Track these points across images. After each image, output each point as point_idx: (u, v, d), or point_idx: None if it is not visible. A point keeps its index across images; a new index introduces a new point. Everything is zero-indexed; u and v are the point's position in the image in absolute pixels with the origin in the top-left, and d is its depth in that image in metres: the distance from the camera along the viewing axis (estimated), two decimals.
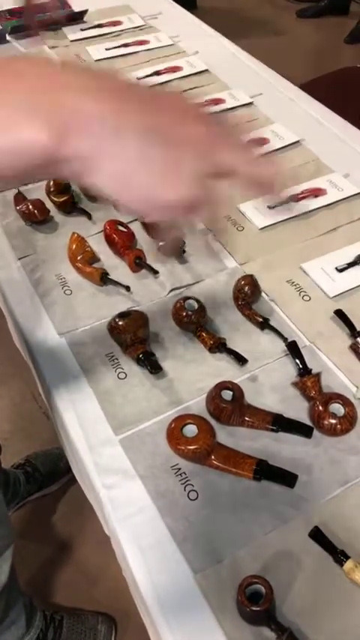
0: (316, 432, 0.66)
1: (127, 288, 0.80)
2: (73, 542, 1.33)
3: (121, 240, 0.86)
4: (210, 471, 0.64)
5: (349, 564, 0.56)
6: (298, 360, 0.72)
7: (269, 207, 0.94)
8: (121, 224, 0.89)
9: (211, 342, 0.74)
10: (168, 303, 0.79)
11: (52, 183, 0.94)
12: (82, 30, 1.43)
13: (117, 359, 0.75)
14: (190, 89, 1.22)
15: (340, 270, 0.85)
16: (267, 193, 0.43)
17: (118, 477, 0.65)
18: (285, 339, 0.75)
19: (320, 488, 0.63)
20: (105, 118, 0.35)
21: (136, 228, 0.90)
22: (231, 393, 0.68)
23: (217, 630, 0.54)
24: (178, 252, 0.86)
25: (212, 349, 0.75)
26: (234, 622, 0.54)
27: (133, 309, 0.79)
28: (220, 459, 0.63)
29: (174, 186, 0.37)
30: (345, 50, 3.25)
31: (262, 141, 1.08)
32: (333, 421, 0.66)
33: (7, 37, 1.40)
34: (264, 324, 0.77)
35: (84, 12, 1.45)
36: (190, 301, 0.77)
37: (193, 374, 0.73)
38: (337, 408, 0.67)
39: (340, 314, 0.78)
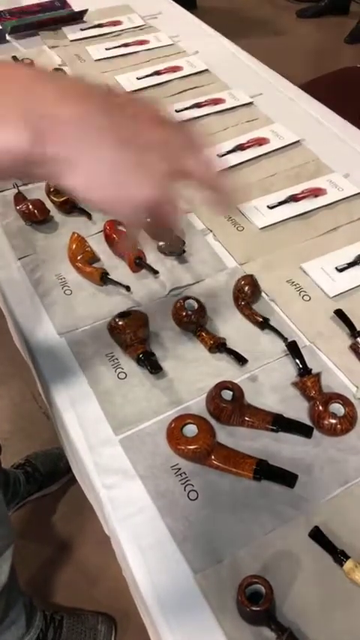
0: (316, 432, 0.66)
1: (127, 288, 0.80)
2: (73, 542, 1.33)
3: (121, 240, 0.86)
4: (210, 471, 0.64)
5: (349, 564, 0.56)
6: (298, 360, 0.72)
7: (269, 207, 0.94)
8: (121, 224, 0.89)
9: (211, 342, 0.74)
10: (168, 303, 0.79)
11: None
12: (82, 30, 1.43)
13: (117, 359, 0.75)
14: (190, 89, 1.22)
15: (340, 270, 0.85)
16: (219, 199, 0.45)
17: (118, 477, 0.65)
18: (285, 339, 0.75)
19: (320, 488, 0.63)
20: (80, 122, 0.37)
21: None
22: (231, 393, 0.68)
23: (217, 630, 0.54)
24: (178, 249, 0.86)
25: (212, 349, 0.75)
26: (234, 622, 0.54)
27: (133, 309, 0.79)
28: (220, 459, 0.63)
29: (142, 187, 0.40)
30: (345, 50, 3.25)
31: (262, 141, 1.08)
32: (333, 421, 0.66)
33: (7, 37, 1.40)
34: (264, 324, 0.77)
35: (84, 12, 1.45)
36: (190, 301, 0.77)
37: (193, 374, 0.73)
38: (337, 408, 0.67)
39: (340, 314, 0.78)
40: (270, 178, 1.02)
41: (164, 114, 0.42)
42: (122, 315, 0.75)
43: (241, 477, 0.63)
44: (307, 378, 0.70)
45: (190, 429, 0.65)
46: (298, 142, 1.09)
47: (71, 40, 1.39)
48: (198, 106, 1.16)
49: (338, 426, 0.66)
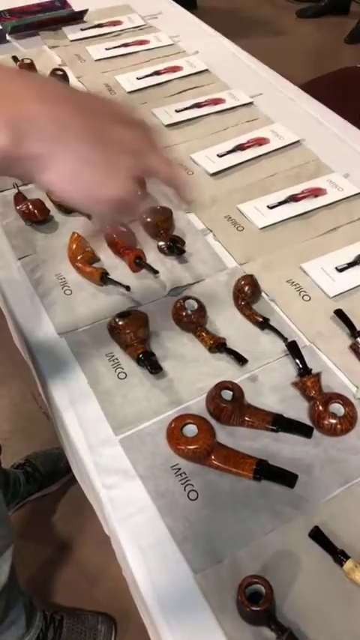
0: (316, 432, 0.66)
1: (127, 288, 0.80)
2: (73, 542, 1.33)
3: (121, 240, 0.86)
4: (210, 471, 0.64)
5: (349, 564, 0.56)
6: (298, 360, 0.72)
7: (269, 207, 0.94)
8: (121, 224, 0.89)
9: (211, 342, 0.74)
10: (168, 303, 0.79)
11: None
12: (82, 30, 1.43)
13: (117, 359, 0.75)
14: (190, 89, 1.22)
15: (340, 270, 0.85)
16: (179, 194, 0.50)
17: (118, 477, 0.65)
18: (285, 339, 0.75)
19: (320, 488, 0.63)
20: (56, 123, 0.40)
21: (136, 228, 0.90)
22: (231, 393, 0.68)
23: (217, 630, 0.54)
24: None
25: (212, 349, 0.75)
26: (234, 622, 0.54)
27: (133, 309, 0.79)
28: (220, 458, 0.63)
29: (112, 184, 0.43)
30: (345, 50, 3.25)
31: (262, 141, 1.08)
32: (333, 421, 0.66)
33: (7, 37, 1.40)
34: (264, 324, 0.77)
35: (84, 12, 1.45)
36: (190, 301, 0.77)
37: (193, 374, 0.73)
38: (337, 408, 0.67)
39: (340, 314, 0.78)
40: (270, 178, 1.02)
41: (134, 115, 0.46)
42: (122, 315, 0.75)
43: (241, 477, 0.63)
44: (307, 378, 0.70)
45: (190, 429, 0.65)
46: (298, 142, 1.09)
47: (71, 40, 1.39)
48: (198, 106, 1.16)
49: (338, 426, 0.66)
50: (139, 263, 0.83)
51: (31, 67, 1.22)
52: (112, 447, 0.67)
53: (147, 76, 1.25)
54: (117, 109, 0.45)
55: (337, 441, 0.67)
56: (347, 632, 0.54)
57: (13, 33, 1.40)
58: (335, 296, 0.82)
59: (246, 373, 0.73)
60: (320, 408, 0.67)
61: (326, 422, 0.66)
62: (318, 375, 0.71)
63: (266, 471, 0.62)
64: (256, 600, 0.52)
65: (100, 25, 1.44)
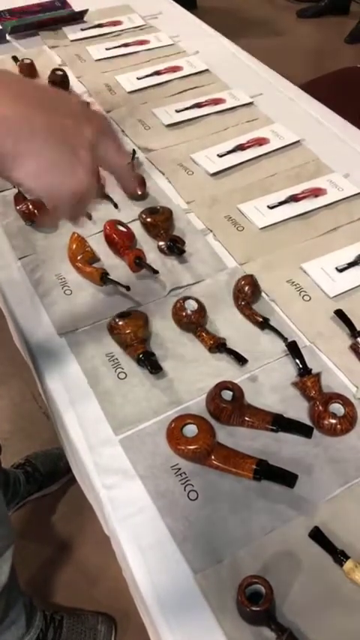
0: (316, 432, 0.66)
1: (127, 288, 0.80)
2: (73, 542, 1.33)
3: (121, 240, 0.86)
4: (210, 471, 0.64)
5: (349, 564, 0.56)
6: (298, 360, 0.72)
7: (269, 207, 0.94)
8: (121, 224, 0.89)
9: (211, 342, 0.74)
10: (168, 303, 0.79)
11: None
12: (82, 30, 1.42)
13: (117, 359, 0.75)
14: (191, 89, 1.22)
15: (340, 270, 0.85)
16: (123, 184, 0.55)
17: (118, 476, 0.65)
18: (285, 339, 0.75)
19: (320, 488, 0.63)
20: (26, 124, 0.43)
21: (136, 228, 0.90)
22: (231, 393, 0.68)
23: (217, 630, 0.54)
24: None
25: (212, 349, 0.75)
26: (234, 622, 0.54)
27: (133, 309, 0.79)
28: (220, 459, 0.63)
29: (73, 181, 0.47)
30: (345, 50, 3.25)
31: (262, 141, 1.08)
32: (333, 421, 0.66)
33: (7, 37, 1.40)
34: (264, 324, 0.77)
35: (84, 12, 1.45)
36: (190, 301, 0.77)
37: (193, 374, 0.73)
38: (337, 408, 0.67)
39: (340, 314, 0.78)
40: (270, 178, 1.02)
41: (92, 109, 0.51)
42: (122, 315, 0.75)
43: (241, 477, 0.63)
44: (307, 378, 0.70)
45: (190, 429, 0.64)
46: (298, 142, 1.09)
47: (71, 40, 1.39)
48: (198, 106, 1.16)
49: (338, 426, 0.66)
50: (139, 263, 0.83)
51: (31, 67, 1.22)
52: (112, 447, 0.67)
53: (147, 76, 1.25)
54: (77, 105, 0.49)
55: (337, 441, 0.67)
56: (347, 632, 0.54)
57: (13, 33, 1.40)
58: (335, 296, 0.82)
59: (246, 373, 0.73)
60: (320, 408, 0.67)
61: (326, 422, 0.66)
62: (318, 375, 0.71)
63: (266, 471, 0.62)
64: (256, 600, 0.52)
65: (100, 25, 1.44)
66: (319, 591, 0.56)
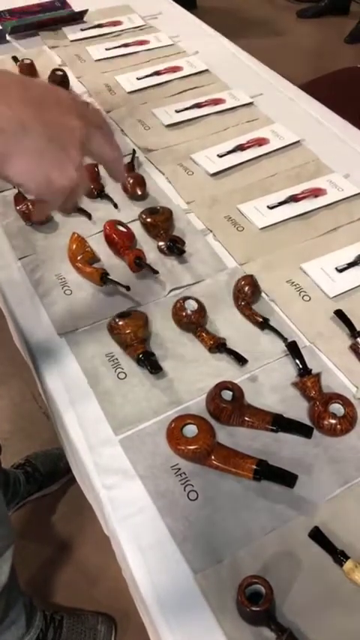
0: (316, 432, 0.66)
1: (127, 288, 0.80)
2: (73, 542, 1.33)
3: (121, 240, 0.86)
4: (210, 471, 0.64)
5: (349, 564, 0.56)
6: (298, 360, 0.72)
7: (269, 208, 0.94)
8: (121, 224, 0.89)
9: (211, 342, 0.74)
10: (168, 303, 0.79)
11: None
12: (82, 30, 1.42)
13: (117, 359, 0.75)
14: (190, 89, 1.22)
15: (340, 271, 0.85)
16: (113, 175, 0.56)
17: (118, 477, 0.65)
18: (285, 339, 0.75)
19: (320, 488, 0.63)
20: (17, 123, 0.44)
21: (136, 228, 0.90)
22: (231, 393, 0.68)
23: (217, 630, 0.54)
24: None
25: (212, 349, 0.75)
26: (234, 622, 0.54)
27: (133, 309, 0.79)
28: (220, 459, 0.63)
29: (62, 177, 0.47)
30: (345, 50, 3.25)
31: (263, 141, 1.08)
32: (333, 421, 0.66)
33: (7, 37, 1.40)
34: (264, 324, 0.77)
35: (84, 12, 1.45)
36: (190, 301, 0.77)
37: (193, 374, 0.73)
38: (337, 408, 0.67)
39: (340, 314, 0.78)
40: (270, 178, 1.02)
41: (82, 102, 0.51)
42: (122, 315, 0.75)
43: (241, 477, 0.63)
44: (307, 379, 0.70)
45: (190, 429, 0.64)
46: (298, 142, 1.09)
47: (71, 41, 1.39)
48: (198, 106, 1.16)
49: (338, 426, 0.66)
50: (139, 263, 0.83)
51: (31, 67, 1.22)
52: (112, 447, 0.67)
53: (147, 76, 1.25)
54: (67, 99, 0.49)
55: (337, 441, 0.67)
56: (347, 632, 0.54)
57: (13, 33, 1.40)
58: (335, 296, 0.82)
59: (246, 373, 0.73)
60: (320, 408, 0.67)
61: (326, 422, 0.66)
62: (318, 375, 0.71)
63: (266, 471, 0.62)
64: (256, 600, 0.52)
65: (100, 26, 1.44)
66: (319, 591, 0.56)
